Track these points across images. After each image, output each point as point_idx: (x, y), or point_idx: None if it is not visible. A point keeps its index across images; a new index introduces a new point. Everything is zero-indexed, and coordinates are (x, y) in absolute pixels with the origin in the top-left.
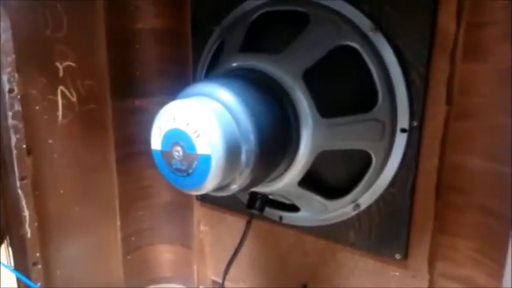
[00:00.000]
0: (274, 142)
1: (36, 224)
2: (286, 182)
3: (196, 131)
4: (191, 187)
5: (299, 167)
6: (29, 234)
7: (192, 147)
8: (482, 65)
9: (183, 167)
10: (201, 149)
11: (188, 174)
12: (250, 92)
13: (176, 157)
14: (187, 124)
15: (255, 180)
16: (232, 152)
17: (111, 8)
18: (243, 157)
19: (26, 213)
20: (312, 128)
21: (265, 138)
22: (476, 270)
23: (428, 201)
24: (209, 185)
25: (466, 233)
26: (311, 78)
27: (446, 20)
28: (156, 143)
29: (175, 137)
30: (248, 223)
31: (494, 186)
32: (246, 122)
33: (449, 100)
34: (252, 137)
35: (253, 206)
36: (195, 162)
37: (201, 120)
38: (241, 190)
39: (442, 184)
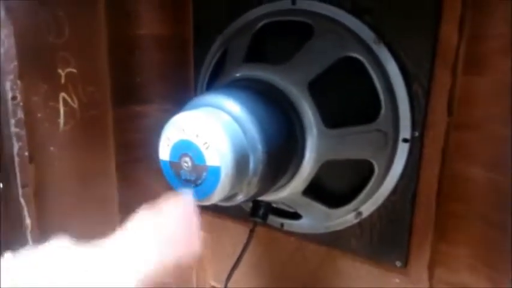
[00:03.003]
0: (281, 151)
1: (38, 231)
2: (290, 191)
3: (205, 142)
4: (199, 198)
5: (304, 176)
6: (30, 243)
7: (201, 158)
8: (483, 77)
9: (192, 178)
10: (211, 160)
11: (197, 185)
12: (257, 102)
13: (185, 168)
14: (197, 135)
15: (261, 190)
16: (240, 163)
17: (112, 14)
18: (251, 167)
19: (28, 221)
20: (316, 138)
21: (272, 148)
22: (475, 277)
23: (429, 209)
24: (217, 196)
25: (466, 241)
26: (316, 89)
27: (449, 32)
28: (164, 153)
29: (184, 148)
30: (251, 231)
31: (494, 196)
32: (253, 132)
33: (450, 111)
34: (259, 146)
35: (256, 214)
36: (204, 174)
37: (211, 132)
38: (247, 200)
39: (443, 193)
